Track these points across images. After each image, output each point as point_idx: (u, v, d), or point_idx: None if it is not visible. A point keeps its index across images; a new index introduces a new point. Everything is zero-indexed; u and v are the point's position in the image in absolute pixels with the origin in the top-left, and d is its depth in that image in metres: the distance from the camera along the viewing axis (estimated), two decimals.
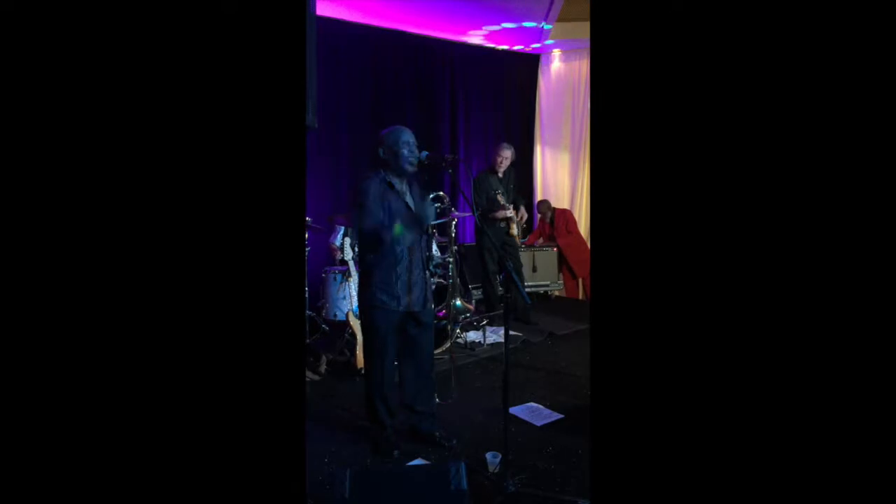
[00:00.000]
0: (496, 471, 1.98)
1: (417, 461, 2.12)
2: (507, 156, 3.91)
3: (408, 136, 2.22)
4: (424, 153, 2.26)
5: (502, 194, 3.84)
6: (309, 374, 3.02)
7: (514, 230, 4.01)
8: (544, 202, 5.33)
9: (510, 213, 3.91)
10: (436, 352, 3.33)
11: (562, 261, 4.99)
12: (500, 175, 3.94)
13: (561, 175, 5.69)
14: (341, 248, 3.30)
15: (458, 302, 3.43)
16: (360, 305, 2.26)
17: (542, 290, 4.94)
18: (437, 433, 2.26)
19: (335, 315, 3.61)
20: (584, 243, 5.14)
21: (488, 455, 2.02)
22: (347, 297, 3.70)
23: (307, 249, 3.76)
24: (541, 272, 4.89)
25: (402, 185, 2.23)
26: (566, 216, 5.15)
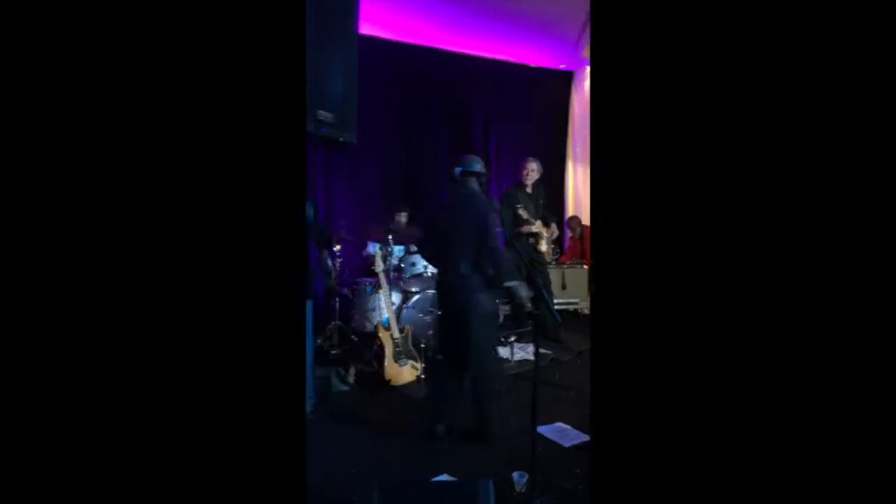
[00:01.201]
0: (523, 491, 1.96)
1: (443, 477, 2.11)
2: (533, 168, 3.89)
3: None
4: (458, 169, 2.28)
5: (524, 208, 3.81)
6: (338, 384, 3.06)
7: (543, 246, 3.98)
8: (574, 218, 5.29)
9: (536, 228, 3.88)
10: None
11: (592, 278, 4.93)
12: (529, 190, 3.92)
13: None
14: (374, 261, 3.35)
15: None
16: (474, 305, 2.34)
17: (571, 307, 4.89)
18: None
19: (364, 326, 3.64)
20: None
21: (515, 475, 2.00)
22: (377, 309, 3.73)
23: (339, 261, 3.82)
24: (570, 289, 4.84)
25: None
26: None
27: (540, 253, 3.97)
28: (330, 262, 3.64)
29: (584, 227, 5.15)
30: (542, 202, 4.01)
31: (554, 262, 4.63)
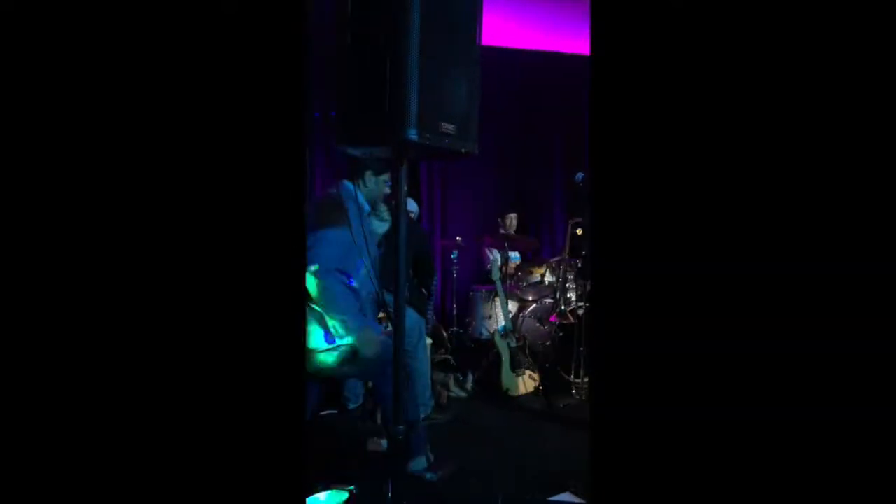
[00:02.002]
0: None
1: (564, 496, 2.03)
2: None
3: None
4: (580, 175, 2.20)
5: None
6: (457, 390, 3.08)
7: None
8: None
9: None
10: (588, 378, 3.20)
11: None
12: None
13: None
14: (491, 268, 3.34)
15: None
16: None
17: None
18: None
19: (481, 333, 3.65)
20: None
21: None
22: (494, 317, 3.72)
23: (456, 268, 3.87)
24: None
25: None
26: None
27: None
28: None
29: None
30: None
31: None
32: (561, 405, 2.92)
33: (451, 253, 3.88)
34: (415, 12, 1.19)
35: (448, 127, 1.31)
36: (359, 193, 2.12)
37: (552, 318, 3.36)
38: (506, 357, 3.07)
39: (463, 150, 1.41)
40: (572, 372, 3.18)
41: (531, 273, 3.69)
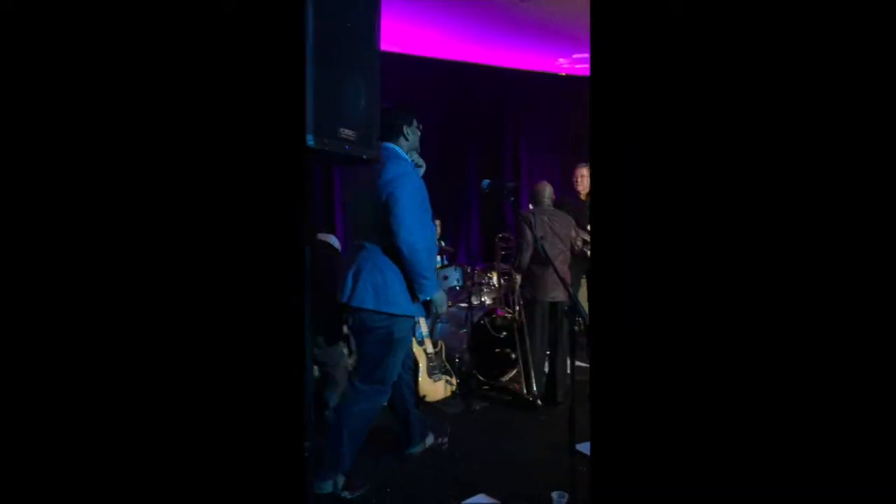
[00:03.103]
0: None
1: (479, 497, 2.06)
2: (584, 174, 3.65)
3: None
4: (486, 182, 2.26)
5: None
6: None
7: None
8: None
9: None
10: (503, 379, 3.28)
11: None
12: (584, 198, 3.63)
13: None
14: None
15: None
16: None
17: None
18: None
19: None
20: None
21: (554, 494, 1.93)
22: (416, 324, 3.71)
23: None
24: None
25: None
26: None
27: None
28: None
29: None
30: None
31: None
32: (477, 408, 2.98)
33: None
34: (309, 20, 1.18)
35: (348, 133, 1.31)
36: (399, 150, 2.06)
37: (499, 313, 3.41)
38: (422, 363, 3.08)
39: (364, 157, 1.41)
40: (487, 374, 3.26)
41: (447, 278, 3.74)
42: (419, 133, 2.16)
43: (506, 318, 3.35)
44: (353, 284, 1.96)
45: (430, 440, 2.40)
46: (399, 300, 1.95)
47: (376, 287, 1.94)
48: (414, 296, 1.97)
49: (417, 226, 1.92)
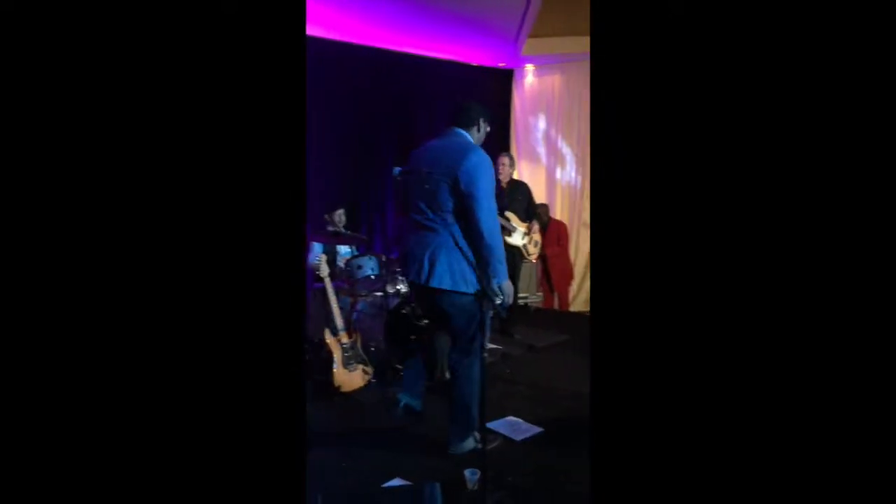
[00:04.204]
0: (475, 488, 1.96)
1: (395, 481, 2.09)
2: (505, 163, 3.75)
3: None
4: (397, 169, 2.26)
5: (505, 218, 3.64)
6: None
7: (532, 250, 3.83)
8: (544, 206, 5.07)
9: (520, 238, 3.73)
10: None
11: (543, 272, 4.98)
12: (504, 187, 3.73)
13: (538, 190, 5.73)
14: (318, 266, 3.28)
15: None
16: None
17: (521, 301, 4.95)
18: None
19: (315, 335, 3.56)
20: (569, 258, 5.15)
21: (467, 472, 2.00)
22: (326, 316, 3.65)
23: None
24: (521, 283, 4.90)
25: None
26: (560, 228, 5.09)
27: (528, 259, 3.86)
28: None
29: (549, 218, 5.07)
30: (519, 197, 3.84)
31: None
32: (393, 395, 3.00)
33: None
34: None
35: None
36: (471, 139, 2.20)
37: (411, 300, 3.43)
38: (337, 355, 3.05)
39: None
40: (404, 361, 3.28)
41: (361, 268, 3.71)
42: (487, 133, 2.30)
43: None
44: (430, 267, 2.06)
45: (470, 444, 2.34)
46: (472, 278, 2.07)
47: (451, 268, 2.05)
48: (480, 277, 2.05)
49: (495, 213, 2.04)
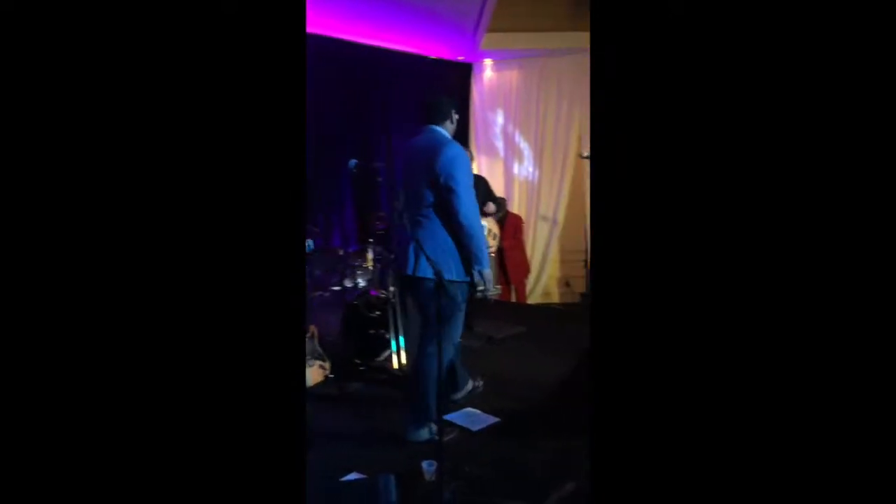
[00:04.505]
0: (432, 479, 1.97)
1: (352, 475, 2.08)
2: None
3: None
4: (353, 161, 2.24)
5: None
6: None
7: (490, 243, 3.84)
8: (503, 200, 5.06)
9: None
10: (377, 359, 3.30)
11: (500, 264, 5.03)
12: None
13: (496, 184, 5.78)
14: None
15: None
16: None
17: (479, 294, 4.98)
18: None
19: None
20: (525, 251, 5.22)
21: (424, 464, 2.01)
22: None
23: None
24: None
25: None
26: (517, 222, 5.15)
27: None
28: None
29: (507, 211, 5.10)
30: (477, 192, 3.88)
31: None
32: (351, 390, 2.98)
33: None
34: None
35: None
36: (447, 133, 2.30)
37: (372, 293, 3.39)
38: None
39: None
40: (362, 355, 3.26)
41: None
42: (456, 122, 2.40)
43: (379, 298, 3.37)
44: (416, 258, 2.18)
45: (469, 386, 2.70)
46: (457, 268, 2.21)
47: (437, 258, 2.14)
48: (466, 266, 2.21)
49: (474, 203, 2.16)
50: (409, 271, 2.21)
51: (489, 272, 2.23)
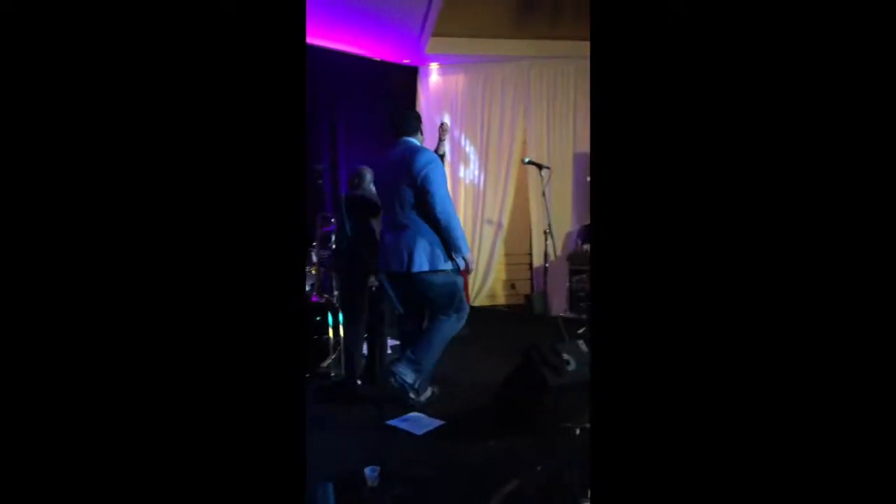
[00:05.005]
0: (375, 485, 1.96)
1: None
2: None
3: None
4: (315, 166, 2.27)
5: None
6: None
7: None
8: None
9: None
10: (322, 365, 3.24)
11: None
12: None
13: None
14: None
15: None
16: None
17: None
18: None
19: None
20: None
21: (367, 470, 1.99)
22: None
23: None
24: None
25: None
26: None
27: None
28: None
29: None
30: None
31: None
32: (311, 392, 2.90)
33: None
34: None
35: None
36: (419, 143, 2.69)
37: (314, 299, 3.33)
38: None
39: None
40: (321, 359, 3.19)
41: None
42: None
43: (321, 303, 3.31)
44: (409, 256, 2.51)
45: (428, 392, 2.79)
46: (443, 257, 2.55)
47: (426, 253, 2.51)
48: (449, 255, 2.56)
49: (448, 200, 2.51)
50: (405, 268, 2.51)
51: (470, 255, 2.62)
